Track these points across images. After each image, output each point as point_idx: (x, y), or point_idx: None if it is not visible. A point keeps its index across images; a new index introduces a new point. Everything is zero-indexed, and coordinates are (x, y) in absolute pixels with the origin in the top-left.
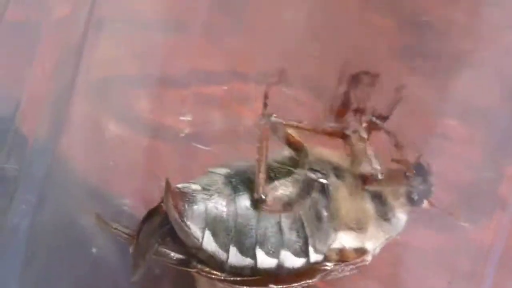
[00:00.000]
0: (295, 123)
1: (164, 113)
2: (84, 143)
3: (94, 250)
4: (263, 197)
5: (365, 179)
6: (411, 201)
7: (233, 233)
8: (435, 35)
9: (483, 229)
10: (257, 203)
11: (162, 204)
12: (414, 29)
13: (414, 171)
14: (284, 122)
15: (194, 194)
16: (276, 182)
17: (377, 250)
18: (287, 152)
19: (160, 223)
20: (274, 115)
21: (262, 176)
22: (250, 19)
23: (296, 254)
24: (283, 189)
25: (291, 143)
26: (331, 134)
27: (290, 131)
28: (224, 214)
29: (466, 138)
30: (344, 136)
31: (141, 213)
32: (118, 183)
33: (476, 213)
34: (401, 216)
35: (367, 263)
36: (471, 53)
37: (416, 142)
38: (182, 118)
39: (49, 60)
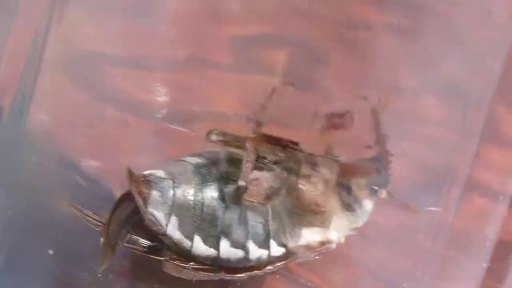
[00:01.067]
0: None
1: (141, 91)
2: (55, 115)
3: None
4: (246, 186)
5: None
6: (374, 192)
7: (198, 221)
8: None
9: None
10: (238, 190)
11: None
12: None
13: (376, 162)
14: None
15: (158, 182)
16: (258, 175)
17: (343, 239)
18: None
19: (132, 211)
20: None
21: (249, 165)
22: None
23: (260, 246)
24: (264, 182)
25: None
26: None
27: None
28: (191, 203)
29: (440, 120)
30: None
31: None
32: (90, 155)
33: (436, 195)
34: (366, 206)
35: (330, 250)
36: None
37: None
38: (159, 98)
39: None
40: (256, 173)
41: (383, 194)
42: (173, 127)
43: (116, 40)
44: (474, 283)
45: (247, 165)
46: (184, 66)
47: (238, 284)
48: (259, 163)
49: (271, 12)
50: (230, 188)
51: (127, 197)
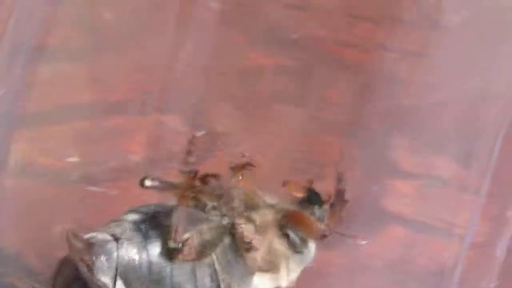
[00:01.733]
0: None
1: (47, 154)
2: None
3: None
4: (179, 246)
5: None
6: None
7: (147, 283)
8: None
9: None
10: (172, 252)
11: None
12: None
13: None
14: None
15: (102, 244)
16: (191, 229)
17: (293, 284)
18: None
19: (75, 276)
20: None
21: (178, 225)
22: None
23: None
24: (198, 236)
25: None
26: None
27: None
28: (136, 262)
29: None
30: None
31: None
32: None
33: (367, 228)
34: (311, 245)
35: None
36: None
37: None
38: (68, 159)
39: None
40: (189, 232)
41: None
42: (91, 188)
43: None
44: None
45: (177, 225)
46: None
47: None
48: (197, 213)
49: None
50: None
51: (67, 261)
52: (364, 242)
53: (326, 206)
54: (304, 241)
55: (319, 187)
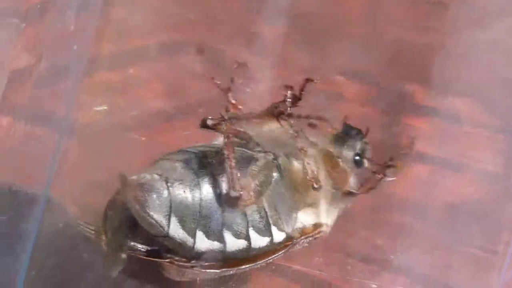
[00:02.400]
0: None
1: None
2: None
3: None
4: (239, 194)
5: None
6: (356, 163)
7: (198, 217)
8: None
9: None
10: (232, 201)
11: (117, 196)
12: None
13: (347, 133)
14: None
15: (153, 183)
16: (245, 174)
17: (332, 222)
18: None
19: (124, 217)
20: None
21: (234, 172)
22: None
23: (261, 233)
24: (252, 180)
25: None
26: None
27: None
28: (189, 199)
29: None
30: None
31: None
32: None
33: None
34: (352, 183)
35: (322, 234)
36: None
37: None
38: (97, 108)
39: None
40: (244, 178)
41: (366, 163)
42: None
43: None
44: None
45: (232, 174)
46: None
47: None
48: (243, 152)
49: None
50: (222, 189)
51: (114, 204)
52: (391, 179)
53: (366, 139)
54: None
55: None
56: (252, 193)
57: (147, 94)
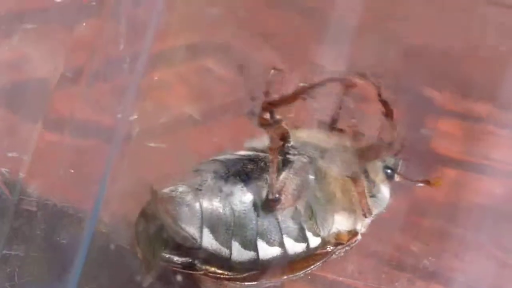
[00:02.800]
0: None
1: (102, 113)
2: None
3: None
4: (277, 197)
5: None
6: (388, 175)
7: (233, 227)
8: None
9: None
10: (271, 204)
11: (148, 208)
12: None
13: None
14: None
15: (183, 196)
16: (282, 177)
17: (364, 229)
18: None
19: (157, 229)
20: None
21: (274, 177)
22: None
23: (296, 239)
24: (290, 183)
25: (278, 133)
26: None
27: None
28: (221, 210)
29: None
30: None
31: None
32: (76, 192)
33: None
34: (385, 191)
35: (357, 242)
36: None
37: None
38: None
39: None
40: (282, 181)
41: (397, 177)
42: (150, 144)
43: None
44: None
45: (273, 178)
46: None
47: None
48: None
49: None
50: (259, 194)
51: (145, 216)
52: (421, 184)
53: (399, 157)
54: (376, 185)
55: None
56: (290, 197)
57: (172, 99)
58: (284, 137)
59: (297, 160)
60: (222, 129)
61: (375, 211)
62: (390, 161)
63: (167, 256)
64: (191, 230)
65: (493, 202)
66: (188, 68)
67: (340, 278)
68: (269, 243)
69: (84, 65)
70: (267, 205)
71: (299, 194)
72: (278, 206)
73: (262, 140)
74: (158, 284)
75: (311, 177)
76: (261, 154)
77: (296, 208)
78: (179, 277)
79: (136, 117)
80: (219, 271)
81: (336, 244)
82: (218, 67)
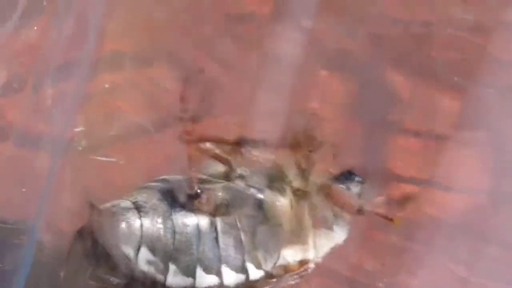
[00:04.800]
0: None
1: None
2: None
3: None
4: (198, 192)
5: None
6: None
7: (172, 250)
8: None
9: None
10: (190, 196)
11: (87, 224)
12: None
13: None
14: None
15: (124, 212)
16: (213, 186)
17: (322, 255)
18: (221, 167)
19: (92, 245)
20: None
21: (194, 170)
22: None
23: (236, 270)
24: (219, 193)
25: (219, 159)
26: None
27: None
28: (162, 231)
29: None
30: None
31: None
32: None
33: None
34: (343, 224)
35: (309, 271)
36: None
37: None
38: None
39: None
40: (211, 185)
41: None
42: (100, 158)
43: None
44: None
45: (192, 171)
46: None
47: None
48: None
49: None
50: (204, 220)
51: (83, 232)
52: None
53: (367, 185)
54: (336, 218)
55: None
56: (211, 202)
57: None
58: (221, 159)
59: (242, 189)
60: (175, 141)
61: (331, 244)
62: (355, 189)
63: (101, 276)
64: (127, 249)
65: (448, 216)
66: (139, 75)
67: None
68: (207, 270)
69: (28, 70)
70: (187, 198)
71: (223, 208)
72: (198, 204)
73: (218, 166)
74: None
75: (255, 209)
76: (213, 180)
77: (239, 238)
78: None
79: (82, 128)
80: None
81: (283, 274)
82: (164, 76)
